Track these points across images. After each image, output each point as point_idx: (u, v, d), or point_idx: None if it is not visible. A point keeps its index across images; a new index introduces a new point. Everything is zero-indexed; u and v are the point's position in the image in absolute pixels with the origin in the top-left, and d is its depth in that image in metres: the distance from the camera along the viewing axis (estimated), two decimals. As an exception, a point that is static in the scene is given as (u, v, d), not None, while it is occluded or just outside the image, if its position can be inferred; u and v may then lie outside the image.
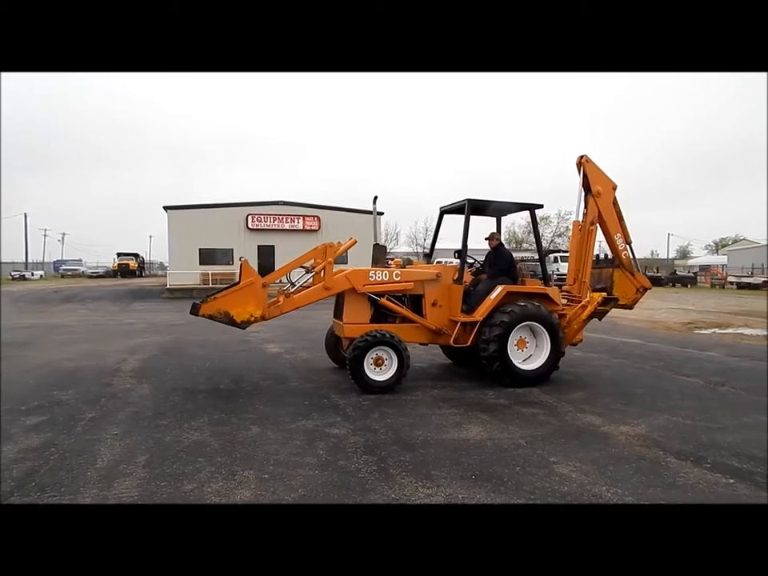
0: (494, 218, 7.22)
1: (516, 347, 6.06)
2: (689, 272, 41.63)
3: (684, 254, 74.88)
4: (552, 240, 47.52)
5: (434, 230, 7.65)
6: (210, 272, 25.32)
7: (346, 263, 6.30)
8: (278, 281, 6.31)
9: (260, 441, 4.11)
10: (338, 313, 6.45)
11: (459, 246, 6.38)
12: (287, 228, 27.60)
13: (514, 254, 6.98)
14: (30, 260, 57.62)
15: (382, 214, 25.96)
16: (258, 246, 26.74)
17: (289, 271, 6.14)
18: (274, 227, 27.54)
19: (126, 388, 5.93)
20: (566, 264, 7.75)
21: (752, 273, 36.67)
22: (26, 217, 57.02)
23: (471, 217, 6.38)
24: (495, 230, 6.99)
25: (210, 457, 3.76)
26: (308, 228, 27.80)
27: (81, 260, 59.17)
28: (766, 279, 31.60)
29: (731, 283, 33.35)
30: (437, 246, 7.73)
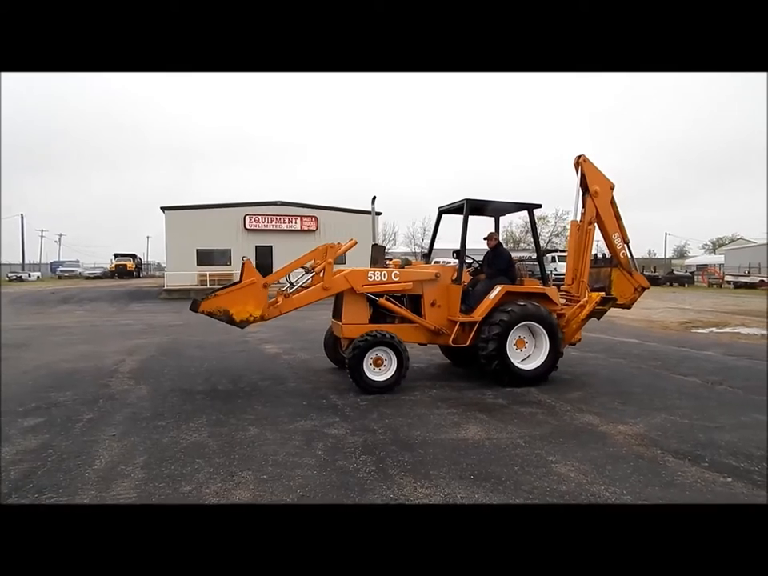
0: (493, 218, 7.24)
1: (515, 347, 6.06)
2: (686, 271, 41.76)
3: (681, 253, 75.09)
4: (550, 240, 47.59)
5: (432, 230, 7.66)
6: (207, 273, 25.28)
7: (344, 263, 6.29)
8: (276, 281, 6.30)
9: (258, 441, 4.11)
10: (336, 313, 6.45)
11: (458, 246, 6.39)
12: (285, 228, 27.58)
13: (512, 254, 6.99)
14: (26, 261, 57.42)
15: (380, 214, 25.96)
16: (256, 247, 26.69)
17: (289, 272, 6.13)
18: (271, 227, 27.51)
19: (123, 389, 5.91)
20: (564, 263, 7.77)
21: (749, 272, 36.79)
22: (22, 217, 56.85)
23: (470, 217, 6.39)
24: (494, 230, 7.00)
25: (209, 458, 3.75)
26: (306, 228, 27.78)
27: (78, 261, 58.94)
28: (762, 278, 31.72)
29: (728, 282, 33.46)
30: (435, 246, 7.74)
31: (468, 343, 6.10)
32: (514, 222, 54.21)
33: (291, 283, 6.16)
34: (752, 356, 8.14)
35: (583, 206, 6.84)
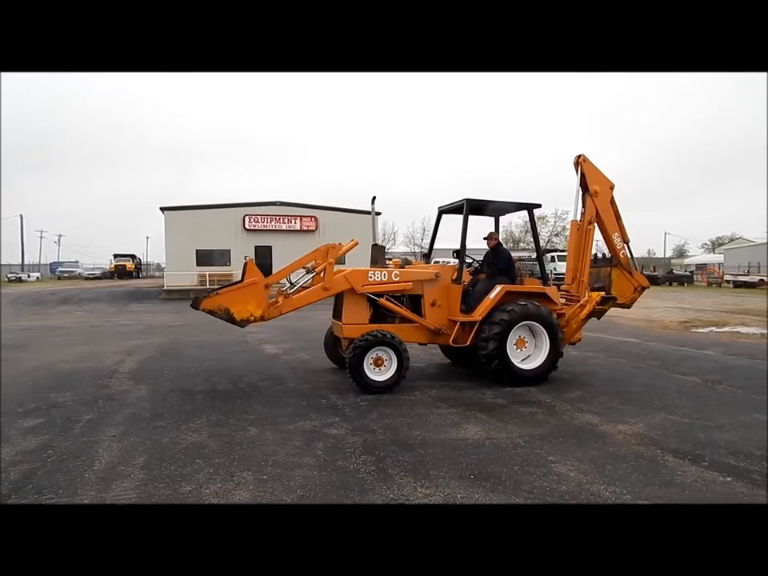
0: (492, 218, 7.24)
1: (515, 346, 6.06)
2: (686, 271, 41.81)
3: (681, 252, 75.14)
4: (549, 239, 47.59)
5: (432, 230, 7.66)
6: (207, 273, 25.28)
7: (344, 263, 6.29)
8: (277, 282, 6.30)
9: (258, 442, 4.10)
10: (337, 313, 6.45)
11: (458, 246, 6.39)
12: (284, 228, 27.58)
13: (512, 254, 7.00)
14: (26, 262, 57.38)
15: (379, 214, 25.95)
16: (256, 247, 26.69)
17: (291, 272, 6.14)
18: (271, 228, 27.52)
19: (123, 389, 5.91)
20: (563, 263, 7.78)
21: (748, 271, 36.81)
22: (21, 218, 56.79)
23: (470, 216, 6.39)
24: (493, 230, 7.00)
25: (208, 458, 3.75)
26: (305, 228, 27.78)
27: (77, 262, 58.91)
28: (762, 278, 31.74)
29: (728, 282, 33.49)
30: (435, 246, 7.74)
31: (468, 343, 6.10)
32: (514, 222, 54.23)
33: (292, 283, 6.16)
34: (752, 355, 8.15)
35: (583, 206, 6.84)
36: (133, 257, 50.70)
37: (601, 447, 3.98)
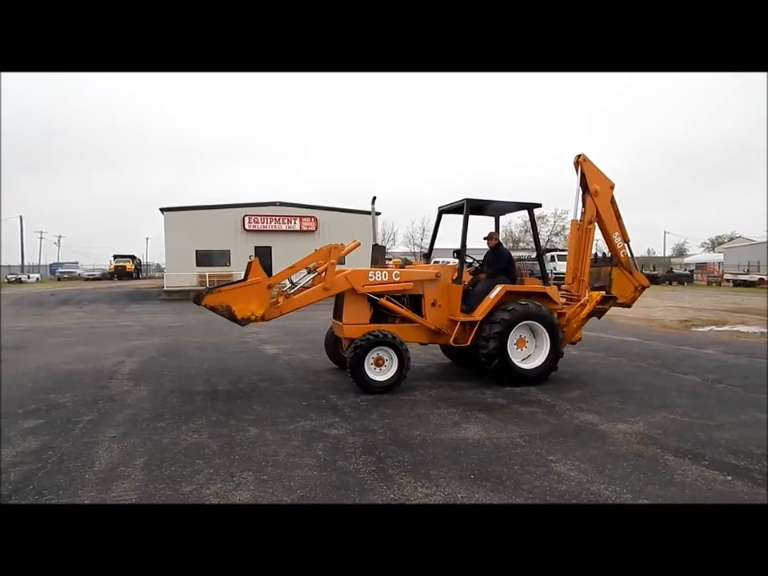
0: (493, 218, 7.24)
1: (515, 346, 6.06)
2: (685, 270, 41.81)
3: (680, 252, 75.15)
4: (549, 239, 47.60)
5: (432, 230, 7.66)
6: (207, 274, 25.26)
7: (344, 264, 6.30)
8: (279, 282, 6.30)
9: (258, 442, 4.10)
10: (337, 313, 6.45)
11: (458, 246, 6.39)
12: (284, 229, 27.56)
13: (512, 254, 7.00)
14: (26, 263, 57.37)
15: (379, 214, 25.95)
16: (255, 248, 26.66)
17: (293, 273, 6.14)
18: (270, 228, 27.49)
19: (123, 390, 5.91)
20: (563, 263, 7.78)
21: (748, 270, 36.82)
22: (21, 219, 56.76)
23: (470, 216, 6.39)
24: (494, 230, 7.00)
25: (209, 458, 3.75)
26: (305, 229, 27.77)
27: (77, 262, 58.89)
28: (762, 276, 31.75)
29: (727, 281, 33.50)
30: (435, 246, 7.74)
31: (469, 343, 6.10)
32: (514, 222, 54.23)
33: (293, 283, 6.16)
34: (751, 354, 8.15)
35: (583, 206, 6.85)
36: (132, 257, 50.68)
37: (601, 446, 3.98)
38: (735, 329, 11.42)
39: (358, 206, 27.69)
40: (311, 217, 27.99)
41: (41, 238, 64.92)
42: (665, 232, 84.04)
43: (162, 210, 26.70)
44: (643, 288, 7.27)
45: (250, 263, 5.75)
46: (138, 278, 48.83)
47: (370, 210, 19.15)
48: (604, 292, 6.73)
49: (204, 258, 26.48)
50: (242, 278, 5.79)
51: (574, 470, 3.53)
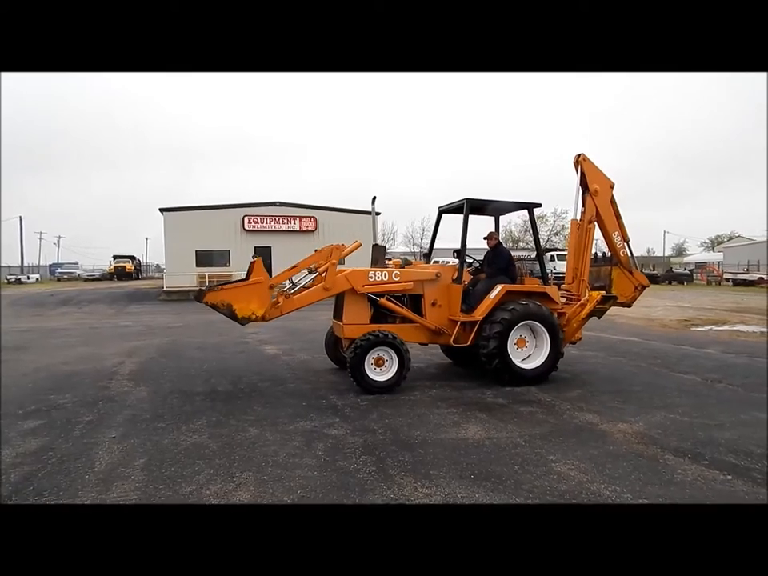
0: (492, 218, 7.24)
1: (516, 346, 6.06)
2: (685, 269, 41.81)
3: (680, 251, 75.15)
4: (548, 239, 47.61)
5: (432, 230, 7.67)
6: (206, 274, 25.24)
7: (344, 264, 6.31)
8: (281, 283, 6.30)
9: (258, 442, 4.10)
10: (337, 313, 6.45)
11: (458, 246, 6.39)
12: (284, 229, 27.55)
13: (512, 253, 7.00)
14: (25, 263, 57.34)
15: (379, 214, 25.95)
16: (255, 248, 26.66)
17: (295, 273, 6.14)
18: (270, 228, 27.48)
19: (123, 391, 5.91)
20: (563, 262, 7.78)
21: (747, 269, 36.83)
22: (21, 220, 56.75)
23: (470, 216, 6.39)
24: (493, 230, 7.00)
25: (209, 459, 3.75)
26: (305, 229, 27.76)
27: (77, 263, 58.90)
28: (761, 276, 31.76)
29: (727, 280, 33.52)
30: (435, 246, 7.74)
31: (469, 343, 6.10)
32: (513, 222, 54.22)
33: (293, 283, 6.16)
34: (751, 353, 8.15)
35: (583, 205, 6.85)
36: (132, 258, 50.67)
37: (601, 446, 3.99)
38: (735, 328, 11.43)
39: (357, 206, 27.71)
40: (311, 217, 27.98)
41: (40, 238, 64.94)
42: (664, 231, 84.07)
43: (162, 210, 26.68)
44: (643, 287, 7.27)
45: (252, 263, 5.76)
46: (137, 278, 48.81)
47: (369, 209, 19.16)
48: (604, 292, 6.73)
49: (204, 259, 26.47)
50: (244, 277, 5.80)
51: (573, 469, 3.53)
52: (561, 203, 43.79)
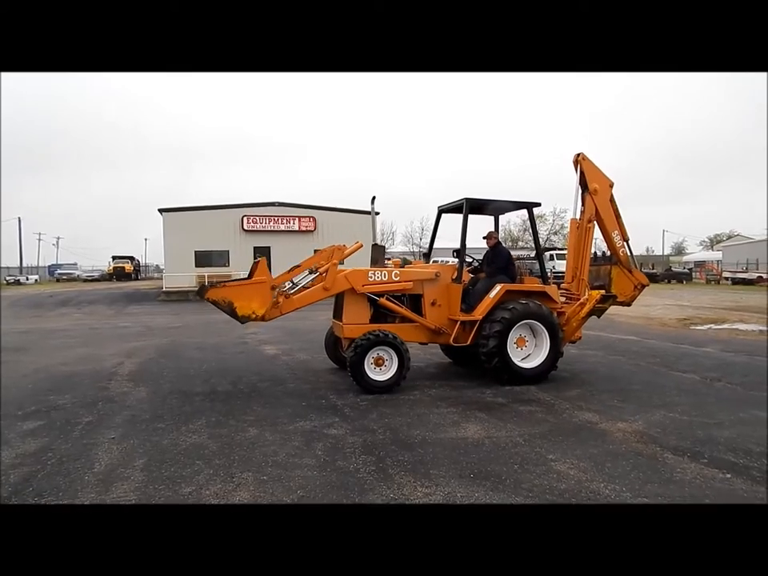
0: (492, 217, 7.24)
1: (515, 345, 6.07)
2: (684, 268, 41.86)
3: (679, 250, 75.16)
4: (548, 238, 47.64)
5: (432, 230, 7.67)
6: (206, 274, 25.24)
7: (343, 264, 6.31)
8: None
9: (258, 442, 4.10)
10: (337, 313, 6.45)
11: (457, 245, 6.39)
12: (283, 229, 27.54)
13: (511, 253, 7.00)
14: (24, 264, 57.29)
15: (378, 213, 25.96)
16: (254, 248, 26.66)
17: (297, 274, 6.15)
18: (269, 228, 27.47)
19: (122, 391, 5.90)
20: (562, 261, 7.79)
21: (746, 268, 36.87)
22: (19, 221, 56.69)
23: (469, 216, 6.39)
24: (493, 229, 7.01)
25: (208, 459, 3.75)
26: (304, 229, 27.74)
27: (76, 264, 58.86)
28: (761, 274, 31.79)
29: (726, 279, 33.57)
30: (435, 246, 7.74)
31: (469, 342, 6.10)
32: (513, 221, 54.25)
33: (293, 283, 6.16)
34: (750, 352, 8.16)
35: (582, 204, 6.85)
36: (131, 258, 50.64)
37: (600, 445, 3.99)
38: (734, 327, 11.44)
39: (357, 205, 27.70)
40: (310, 217, 27.97)
41: (39, 239, 64.91)
42: (664, 230, 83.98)
43: (161, 210, 26.67)
44: (643, 286, 7.28)
45: (256, 262, 5.78)
46: (136, 278, 48.79)
47: (369, 209, 19.17)
48: (603, 291, 6.74)
49: (203, 259, 26.46)
50: (247, 276, 5.82)
51: (573, 468, 3.54)
52: (560, 202, 43.86)
